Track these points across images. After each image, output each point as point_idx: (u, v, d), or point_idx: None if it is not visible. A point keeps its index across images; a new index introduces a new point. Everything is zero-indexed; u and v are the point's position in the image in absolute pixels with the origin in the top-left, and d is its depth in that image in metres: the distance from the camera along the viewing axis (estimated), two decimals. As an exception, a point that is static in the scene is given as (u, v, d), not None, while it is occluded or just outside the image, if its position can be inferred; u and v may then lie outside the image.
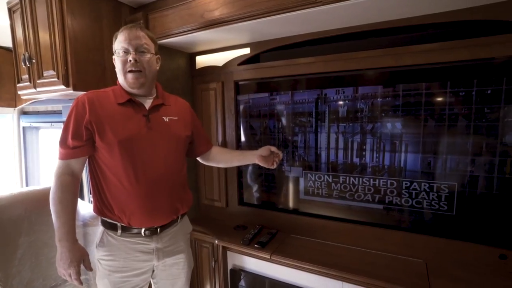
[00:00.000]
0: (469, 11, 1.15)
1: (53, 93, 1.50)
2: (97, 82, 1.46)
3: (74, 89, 1.39)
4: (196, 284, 1.76)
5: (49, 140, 2.62)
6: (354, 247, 1.47)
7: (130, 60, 1.07)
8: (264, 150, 1.27)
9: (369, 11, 1.19)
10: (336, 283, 1.32)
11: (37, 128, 2.67)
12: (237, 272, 1.61)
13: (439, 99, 1.27)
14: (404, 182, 1.36)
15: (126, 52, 1.08)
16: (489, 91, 1.17)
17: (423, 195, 1.33)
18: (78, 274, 1.07)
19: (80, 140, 1.05)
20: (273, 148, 1.27)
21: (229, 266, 1.63)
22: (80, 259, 1.08)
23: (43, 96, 1.67)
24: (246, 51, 1.66)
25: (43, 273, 1.42)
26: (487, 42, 1.14)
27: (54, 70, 1.42)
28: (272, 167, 1.28)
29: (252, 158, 1.31)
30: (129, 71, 1.08)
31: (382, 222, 1.43)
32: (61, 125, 2.14)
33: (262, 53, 1.63)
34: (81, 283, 1.08)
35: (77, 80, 1.39)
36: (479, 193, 1.23)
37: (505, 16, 1.10)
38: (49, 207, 1.06)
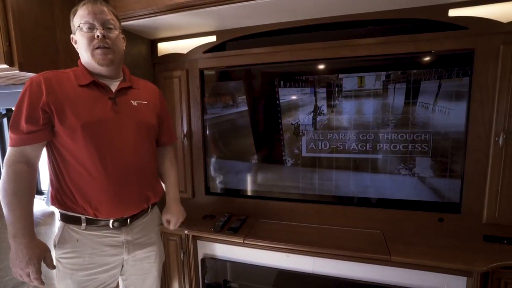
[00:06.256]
0: (415, 10, 1.34)
1: (-11, 74, 1.30)
2: (48, 64, 1.30)
3: (21, 69, 1.21)
4: (164, 280, 1.68)
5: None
6: (321, 226, 1.57)
7: (98, 36, 0.98)
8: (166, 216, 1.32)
9: (334, 3, 1.29)
10: (307, 259, 1.40)
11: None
12: (208, 261, 1.59)
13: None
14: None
15: (92, 27, 0.99)
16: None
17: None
18: (39, 273, 0.95)
19: (36, 124, 0.94)
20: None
21: (200, 256, 1.60)
22: (41, 256, 0.96)
23: (-28, 80, 1.42)
24: (212, 39, 1.65)
25: (-16, 282, 1.22)
26: (427, 37, 1.34)
27: (-10, 47, 1.23)
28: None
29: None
30: (97, 48, 1.00)
31: (342, 201, 1.56)
32: (-5, 117, 1.86)
33: (228, 41, 1.64)
34: (42, 283, 0.96)
35: (23, 58, 1.22)
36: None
37: (439, 17, 1.32)
38: None
